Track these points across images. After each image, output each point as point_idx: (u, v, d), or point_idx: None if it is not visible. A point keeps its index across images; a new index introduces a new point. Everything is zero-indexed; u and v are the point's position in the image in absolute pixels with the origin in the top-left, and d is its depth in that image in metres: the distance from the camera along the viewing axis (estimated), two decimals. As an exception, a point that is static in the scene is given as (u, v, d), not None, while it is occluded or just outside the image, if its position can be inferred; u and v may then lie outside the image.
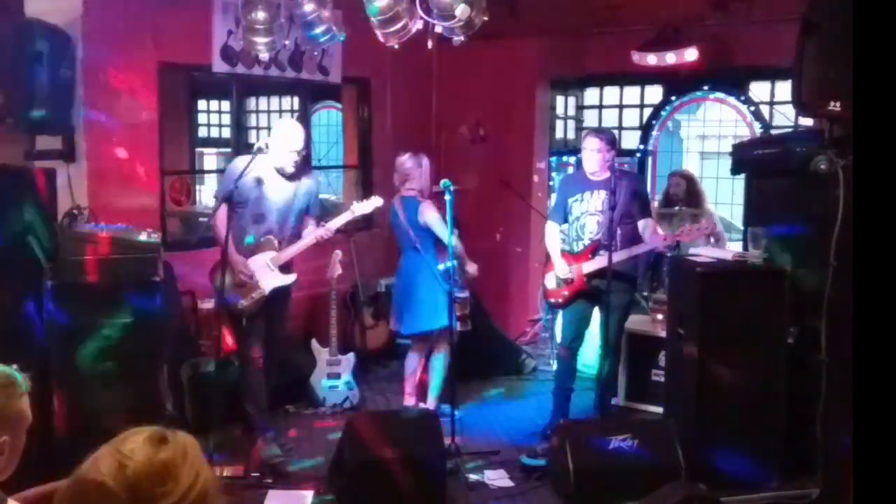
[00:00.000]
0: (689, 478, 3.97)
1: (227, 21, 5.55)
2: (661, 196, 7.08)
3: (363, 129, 7.13)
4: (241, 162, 4.67)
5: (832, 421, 3.91)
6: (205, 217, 6.02)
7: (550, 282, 5.14)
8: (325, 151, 9.14)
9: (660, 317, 5.57)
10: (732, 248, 6.07)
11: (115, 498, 1.24)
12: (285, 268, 4.76)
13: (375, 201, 4.90)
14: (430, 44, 3.91)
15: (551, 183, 7.45)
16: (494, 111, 7.17)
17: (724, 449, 4.29)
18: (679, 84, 6.92)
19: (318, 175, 5.46)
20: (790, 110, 6.12)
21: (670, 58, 6.27)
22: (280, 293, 4.78)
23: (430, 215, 5.10)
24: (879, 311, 2.23)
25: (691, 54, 6.22)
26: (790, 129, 6.15)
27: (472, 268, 5.33)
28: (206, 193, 8.51)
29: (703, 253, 4.78)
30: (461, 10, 3.69)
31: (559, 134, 7.58)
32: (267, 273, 4.68)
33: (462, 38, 3.89)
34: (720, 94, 7.01)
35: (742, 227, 5.54)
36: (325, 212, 5.39)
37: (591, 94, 7.73)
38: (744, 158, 4.99)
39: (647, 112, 7.27)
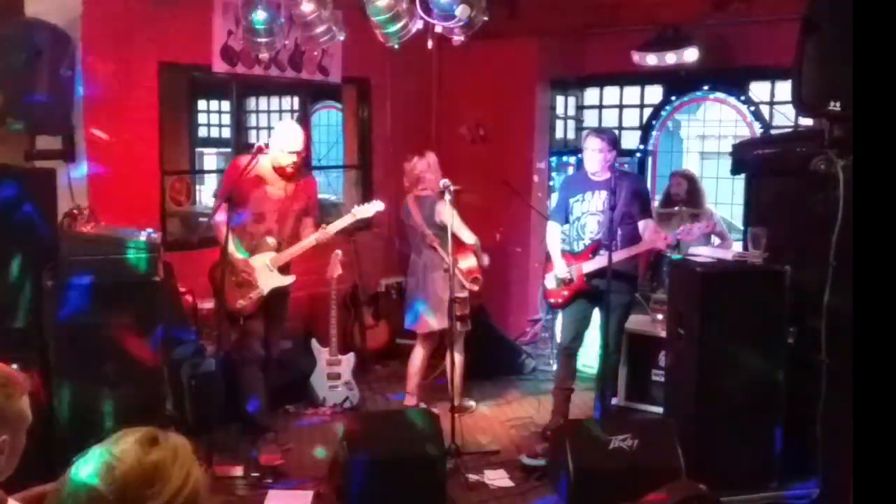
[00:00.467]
0: (689, 478, 3.96)
1: (227, 21, 5.56)
2: (661, 196, 7.08)
3: (363, 129, 7.13)
4: (241, 162, 4.68)
5: (832, 421, 3.91)
6: (205, 217, 6.01)
7: (550, 282, 5.14)
8: (325, 151, 9.13)
9: (660, 317, 5.58)
10: (732, 248, 6.07)
11: (103, 500, 1.24)
12: (284, 268, 4.77)
13: (377, 205, 4.90)
14: (430, 44, 3.91)
15: (551, 183, 7.45)
16: (494, 111, 7.17)
17: (724, 449, 4.30)
18: (679, 84, 6.92)
19: (318, 175, 5.47)
20: (790, 110, 6.12)
21: (670, 58, 6.27)
22: (278, 293, 4.79)
23: (446, 213, 5.13)
24: (879, 311, 2.23)
25: (691, 54, 6.21)
26: (790, 129, 6.15)
27: (485, 259, 5.38)
28: (206, 193, 8.49)
29: (703, 253, 4.78)
30: (461, 10, 3.69)
31: (559, 134, 7.58)
32: (266, 273, 4.69)
33: (462, 38, 3.89)
34: (720, 94, 7.01)
35: (742, 227, 5.54)
36: (325, 213, 5.39)
37: (591, 94, 7.73)
38: (744, 158, 4.99)
39: (647, 112, 7.27)
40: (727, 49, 6.39)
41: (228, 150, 7.45)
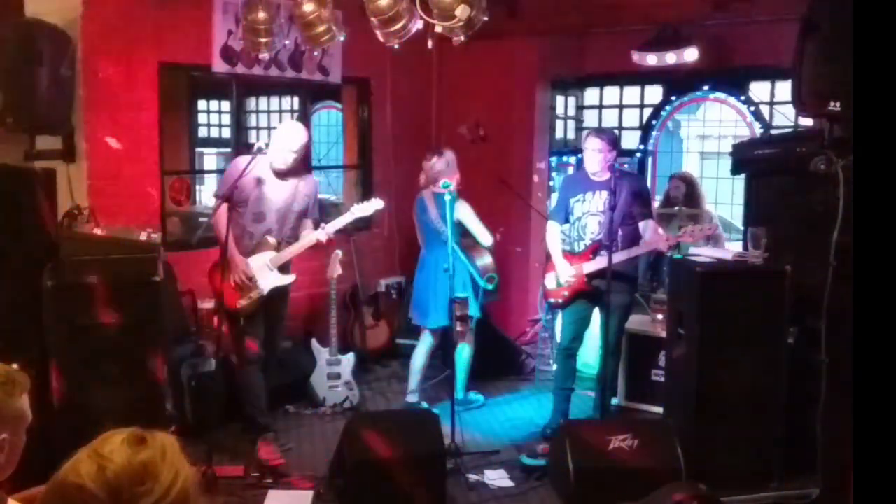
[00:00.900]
0: (689, 478, 3.97)
1: (227, 21, 5.56)
2: (661, 197, 7.08)
3: (363, 129, 7.12)
4: (241, 161, 4.68)
5: (832, 421, 3.91)
6: (205, 217, 6.02)
7: (550, 282, 5.14)
8: (325, 151, 9.13)
9: (660, 317, 5.57)
10: (732, 248, 6.07)
11: (95, 500, 1.24)
12: (284, 268, 4.77)
13: (376, 203, 4.90)
14: (430, 44, 3.91)
15: (551, 183, 7.45)
16: (494, 111, 7.17)
17: (724, 449, 4.30)
18: (679, 84, 6.92)
19: (318, 175, 5.47)
20: (790, 110, 6.12)
21: (670, 58, 6.27)
22: (278, 293, 4.79)
23: (465, 211, 5.13)
24: (879, 311, 2.23)
25: (691, 54, 6.21)
26: (790, 129, 6.15)
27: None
28: (206, 193, 8.49)
29: (703, 253, 4.78)
30: (461, 10, 3.69)
31: (559, 134, 7.57)
32: (266, 273, 4.69)
33: (462, 38, 3.88)
34: (720, 94, 7.00)
35: (742, 227, 5.54)
36: (325, 213, 5.39)
37: (591, 94, 7.72)
38: (744, 158, 4.99)
39: (647, 112, 7.26)
40: (727, 49, 6.38)
41: (228, 150, 7.43)
